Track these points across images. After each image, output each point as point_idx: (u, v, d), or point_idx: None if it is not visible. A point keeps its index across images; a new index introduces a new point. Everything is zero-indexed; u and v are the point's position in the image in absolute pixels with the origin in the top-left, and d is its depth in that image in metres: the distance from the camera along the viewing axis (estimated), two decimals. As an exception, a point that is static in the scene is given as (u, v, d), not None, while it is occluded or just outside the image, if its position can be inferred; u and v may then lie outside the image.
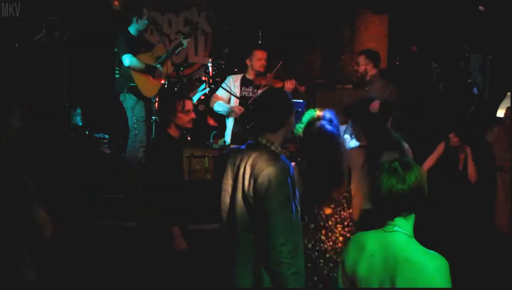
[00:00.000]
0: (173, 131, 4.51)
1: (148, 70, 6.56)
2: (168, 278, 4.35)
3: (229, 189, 3.14)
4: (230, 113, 6.48)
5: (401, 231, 2.51)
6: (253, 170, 3.02)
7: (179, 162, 4.72)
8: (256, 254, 3.02)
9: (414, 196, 2.49)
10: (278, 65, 6.54)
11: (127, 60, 6.43)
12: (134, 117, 6.51)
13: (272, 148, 3.10)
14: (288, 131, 3.19)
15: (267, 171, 2.98)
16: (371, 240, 2.57)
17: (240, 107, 6.50)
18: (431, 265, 2.40)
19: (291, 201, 3.01)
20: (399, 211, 2.52)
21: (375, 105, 4.86)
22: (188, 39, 6.91)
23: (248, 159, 3.06)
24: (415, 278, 2.39)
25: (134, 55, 6.50)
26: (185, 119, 4.52)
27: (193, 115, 4.58)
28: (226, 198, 3.16)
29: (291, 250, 2.93)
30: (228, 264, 3.11)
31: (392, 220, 2.53)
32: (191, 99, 4.76)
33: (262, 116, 3.17)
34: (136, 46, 6.62)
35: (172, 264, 4.34)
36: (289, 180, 3.04)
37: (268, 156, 3.06)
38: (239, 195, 3.07)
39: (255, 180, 3.00)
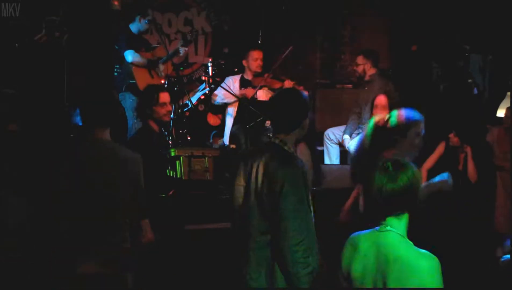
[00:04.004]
0: (153, 124, 4.57)
1: (150, 65, 6.61)
2: (171, 278, 4.36)
3: (242, 189, 3.14)
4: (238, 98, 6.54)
5: (393, 231, 2.51)
6: (266, 170, 3.02)
7: (159, 155, 4.75)
8: (270, 254, 3.02)
9: (406, 196, 2.49)
10: (288, 50, 6.56)
11: (130, 56, 6.50)
12: (135, 117, 6.54)
13: (285, 148, 3.10)
14: (302, 133, 3.18)
15: (281, 171, 2.98)
16: (364, 240, 2.58)
17: (251, 90, 6.53)
18: (423, 264, 2.40)
19: (305, 201, 3.00)
20: (391, 210, 2.52)
21: None
22: (186, 48, 6.97)
23: (261, 159, 3.06)
24: (406, 278, 2.39)
25: (136, 52, 6.55)
26: (161, 111, 4.57)
27: (169, 108, 4.61)
28: (239, 199, 3.15)
29: (306, 249, 2.93)
30: (242, 264, 3.10)
31: (385, 219, 2.53)
32: (167, 91, 4.78)
33: (277, 116, 3.17)
34: (137, 44, 6.66)
35: (173, 263, 4.34)
36: (303, 180, 3.04)
37: (282, 156, 3.06)
38: (253, 195, 3.07)
39: (269, 180, 2.99)
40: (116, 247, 3.35)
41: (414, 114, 4.64)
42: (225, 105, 6.93)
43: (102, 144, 3.43)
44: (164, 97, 4.61)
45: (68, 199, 3.29)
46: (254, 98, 6.74)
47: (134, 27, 6.74)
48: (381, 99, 4.94)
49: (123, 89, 6.59)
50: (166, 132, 6.33)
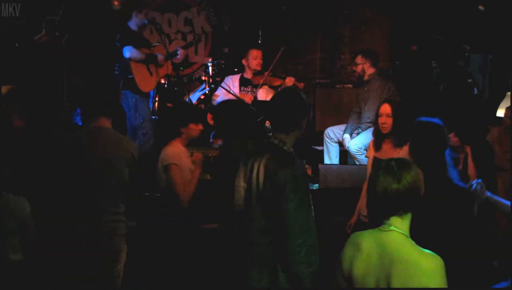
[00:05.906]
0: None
1: (149, 60, 6.63)
2: (172, 278, 4.35)
3: (242, 190, 3.13)
4: (238, 98, 6.55)
5: (396, 230, 2.51)
6: (267, 171, 3.02)
7: None
8: (272, 255, 3.01)
9: (410, 195, 2.50)
10: (280, 52, 6.58)
11: (127, 52, 6.52)
12: (141, 117, 6.57)
13: (285, 148, 3.10)
14: (300, 133, 3.18)
15: (282, 172, 2.98)
16: (367, 239, 2.58)
17: (249, 96, 6.55)
18: (427, 264, 2.40)
19: (306, 201, 3.01)
20: (395, 210, 2.52)
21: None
22: (184, 50, 7.04)
23: (261, 160, 3.06)
24: (410, 278, 2.39)
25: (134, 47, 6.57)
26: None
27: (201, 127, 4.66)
28: (240, 200, 3.15)
29: (309, 249, 2.93)
30: (244, 266, 3.10)
31: (388, 219, 2.53)
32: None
33: (276, 116, 3.16)
34: (136, 41, 6.68)
35: (174, 264, 4.34)
36: (303, 180, 3.04)
37: (281, 156, 3.06)
38: (253, 196, 3.07)
39: (270, 181, 2.99)
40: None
41: None
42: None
43: (103, 131, 3.72)
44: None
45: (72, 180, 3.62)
46: (254, 98, 6.74)
47: (132, 24, 6.76)
48: (386, 108, 4.91)
49: (122, 85, 6.60)
50: None
